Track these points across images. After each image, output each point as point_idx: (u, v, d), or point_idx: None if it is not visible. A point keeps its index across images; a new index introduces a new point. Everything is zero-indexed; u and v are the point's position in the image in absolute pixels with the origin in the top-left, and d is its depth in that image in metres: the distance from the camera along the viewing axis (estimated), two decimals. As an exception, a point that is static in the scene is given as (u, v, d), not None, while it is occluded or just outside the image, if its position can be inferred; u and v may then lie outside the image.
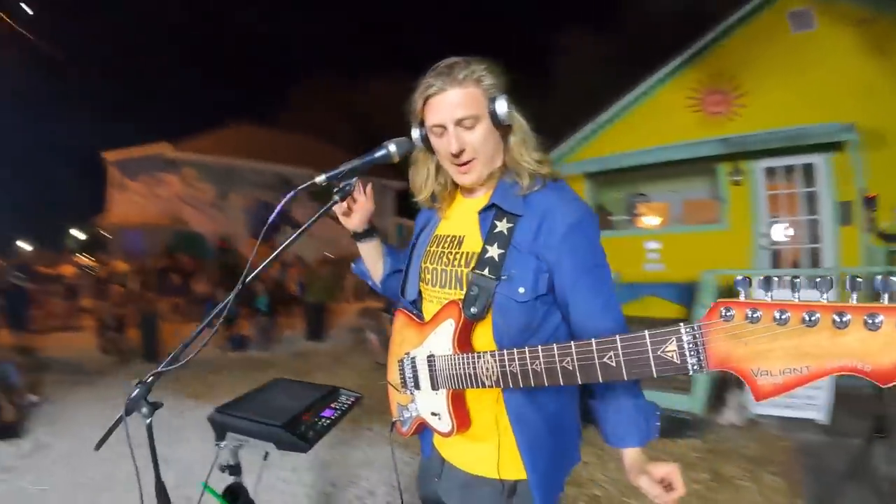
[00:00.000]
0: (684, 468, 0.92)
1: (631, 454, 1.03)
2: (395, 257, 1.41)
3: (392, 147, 1.14)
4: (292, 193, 1.06)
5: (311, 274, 10.34)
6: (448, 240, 1.20)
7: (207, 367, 6.73)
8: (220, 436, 1.49)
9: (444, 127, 1.08)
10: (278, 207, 1.07)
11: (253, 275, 1.05)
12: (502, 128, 1.12)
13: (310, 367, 6.92)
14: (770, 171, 6.64)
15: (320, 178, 1.10)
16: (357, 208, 1.29)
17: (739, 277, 0.72)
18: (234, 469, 1.52)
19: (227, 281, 12.33)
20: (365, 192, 1.29)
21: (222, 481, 1.46)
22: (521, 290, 1.05)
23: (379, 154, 1.13)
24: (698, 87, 7.16)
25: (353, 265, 1.49)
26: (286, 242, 1.09)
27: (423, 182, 1.26)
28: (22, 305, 7.93)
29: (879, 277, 0.61)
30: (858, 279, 0.63)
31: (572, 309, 1.07)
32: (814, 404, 3.91)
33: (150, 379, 1.09)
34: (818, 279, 0.66)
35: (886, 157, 5.63)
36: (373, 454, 3.70)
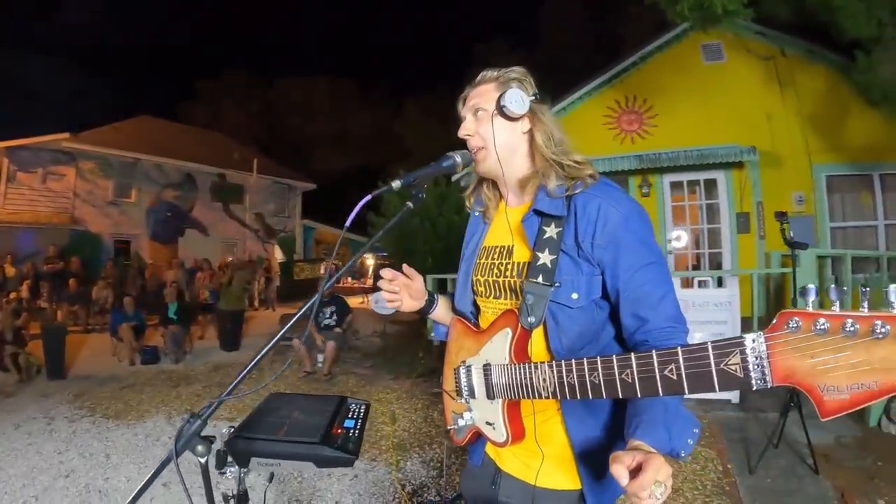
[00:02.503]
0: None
1: (630, 444, 0.88)
2: None
3: (457, 157, 1.18)
4: (368, 198, 1.08)
5: (222, 280, 9.62)
6: (497, 251, 1.21)
7: (120, 384, 6.07)
8: (242, 462, 1.39)
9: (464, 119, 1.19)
10: (356, 209, 1.07)
11: (338, 276, 1.05)
12: (519, 123, 1.15)
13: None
14: (675, 185, 7.39)
15: (396, 184, 1.10)
16: (404, 293, 1.28)
17: (810, 286, 0.67)
18: (242, 498, 1.35)
19: (128, 287, 11.24)
20: (404, 273, 1.27)
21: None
22: (575, 295, 1.05)
23: (445, 164, 1.17)
24: (615, 106, 7.75)
25: (433, 335, 1.46)
26: (366, 245, 1.08)
27: (471, 188, 1.32)
28: None
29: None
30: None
31: (626, 307, 1.03)
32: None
33: (207, 411, 0.99)
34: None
35: (779, 175, 6.57)
36: (327, 465, 3.61)
